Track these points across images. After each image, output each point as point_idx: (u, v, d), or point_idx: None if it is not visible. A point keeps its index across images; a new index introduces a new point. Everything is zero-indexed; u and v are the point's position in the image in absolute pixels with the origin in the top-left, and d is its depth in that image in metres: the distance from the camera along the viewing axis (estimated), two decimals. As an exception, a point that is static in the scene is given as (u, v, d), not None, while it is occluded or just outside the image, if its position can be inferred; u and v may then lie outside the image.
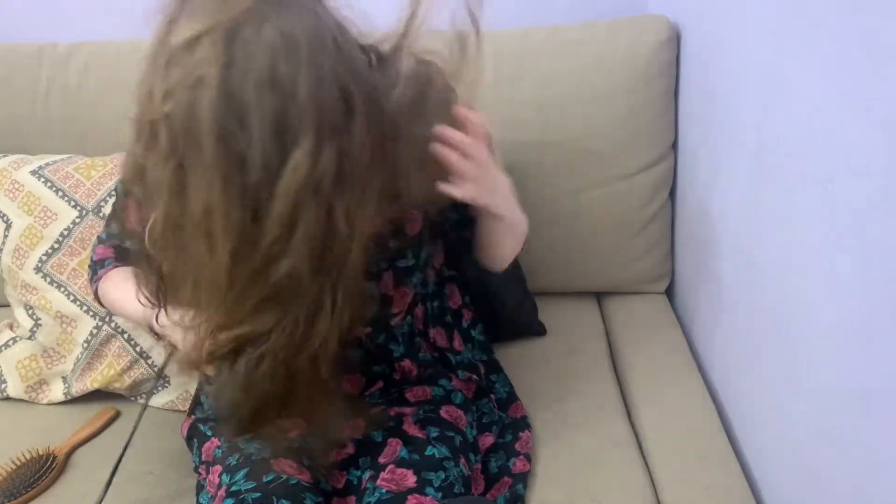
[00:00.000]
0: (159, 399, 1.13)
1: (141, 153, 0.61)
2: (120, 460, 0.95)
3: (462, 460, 0.88)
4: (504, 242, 0.89)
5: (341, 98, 0.60)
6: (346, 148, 0.60)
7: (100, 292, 0.96)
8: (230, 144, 0.57)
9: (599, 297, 1.35)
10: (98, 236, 0.99)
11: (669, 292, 1.34)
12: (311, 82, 0.57)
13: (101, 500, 0.94)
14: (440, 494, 0.81)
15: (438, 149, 0.71)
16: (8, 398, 1.15)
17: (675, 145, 1.26)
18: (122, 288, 0.92)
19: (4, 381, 1.15)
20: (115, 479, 0.98)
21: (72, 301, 1.12)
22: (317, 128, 0.58)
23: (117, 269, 0.95)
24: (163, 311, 0.76)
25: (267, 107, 0.57)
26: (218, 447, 0.90)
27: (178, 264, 0.66)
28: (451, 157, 0.72)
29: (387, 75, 0.67)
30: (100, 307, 1.11)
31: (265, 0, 0.59)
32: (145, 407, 0.98)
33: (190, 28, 0.58)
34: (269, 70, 0.56)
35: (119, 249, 0.96)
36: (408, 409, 0.93)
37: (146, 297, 0.75)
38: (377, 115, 0.63)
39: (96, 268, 0.97)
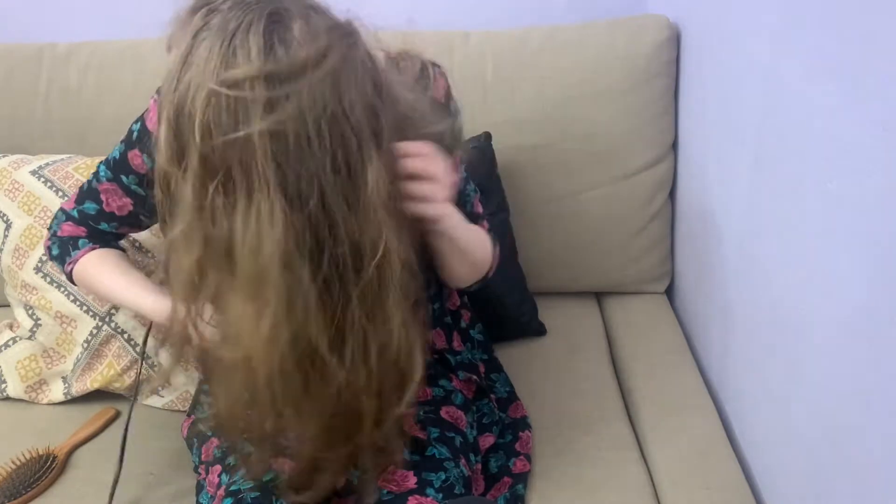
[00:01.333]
0: (159, 399, 1.13)
1: (166, 164, 0.63)
2: (122, 462, 0.94)
3: (462, 461, 0.88)
4: (454, 265, 0.86)
5: (375, 118, 0.64)
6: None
7: (78, 273, 0.93)
8: (286, 176, 0.60)
9: (599, 297, 1.35)
10: (63, 210, 0.95)
11: (669, 292, 1.34)
12: (360, 107, 0.61)
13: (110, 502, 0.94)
14: (441, 495, 0.81)
15: (409, 163, 0.71)
16: (8, 398, 1.15)
17: (675, 145, 1.26)
18: (108, 271, 0.92)
19: (4, 381, 1.15)
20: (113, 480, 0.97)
21: (72, 301, 1.12)
22: (376, 146, 0.63)
23: (96, 250, 0.93)
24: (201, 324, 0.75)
25: (322, 134, 0.60)
26: (217, 447, 0.90)
27: (232, 292, 0.66)
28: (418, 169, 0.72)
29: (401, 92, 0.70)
30: (100, 307, 1.11)
31: (300, 15, 0.61)
32: (134, 401, 0.96)
33: (223, 52, 0.59)
34: (319, 99, 0.59)
35: (92, 230, 0.93)
36: (408, 410, 0.93)
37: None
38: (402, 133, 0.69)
39: (67, 247, 0.93)
